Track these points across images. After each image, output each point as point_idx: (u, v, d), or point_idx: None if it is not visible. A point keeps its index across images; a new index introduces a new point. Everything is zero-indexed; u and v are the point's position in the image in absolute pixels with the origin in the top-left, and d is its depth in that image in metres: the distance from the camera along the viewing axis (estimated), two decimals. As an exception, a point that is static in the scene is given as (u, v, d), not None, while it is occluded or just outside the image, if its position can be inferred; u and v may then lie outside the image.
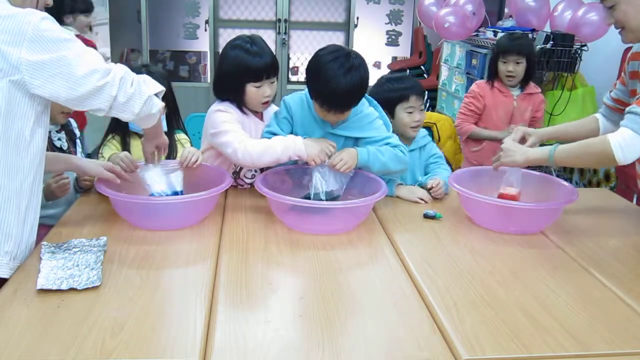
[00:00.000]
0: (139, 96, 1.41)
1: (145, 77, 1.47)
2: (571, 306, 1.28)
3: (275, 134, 1.85)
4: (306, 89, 1.89)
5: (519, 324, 1.20)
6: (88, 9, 3.45)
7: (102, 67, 1.35)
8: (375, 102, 1.98)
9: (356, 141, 1.89)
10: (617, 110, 1.84)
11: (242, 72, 1.83)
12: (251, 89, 1.85)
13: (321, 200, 1.73)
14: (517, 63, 2.79)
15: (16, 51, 1.26)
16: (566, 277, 1.44)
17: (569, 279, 1.43)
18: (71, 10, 3.38)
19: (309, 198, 1.73)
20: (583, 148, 1.62)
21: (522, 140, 1.85)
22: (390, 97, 2.08)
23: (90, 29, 3.64)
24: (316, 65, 1.74)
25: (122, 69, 1.40)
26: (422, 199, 1.93)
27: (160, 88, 1.49)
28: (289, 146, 1.73)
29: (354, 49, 6.93)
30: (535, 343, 1.13)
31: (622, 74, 1.84)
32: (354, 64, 1.71)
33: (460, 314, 1.23)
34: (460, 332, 1.16)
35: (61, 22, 3.32)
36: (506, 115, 2.90)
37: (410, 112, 2.06)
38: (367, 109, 1.91)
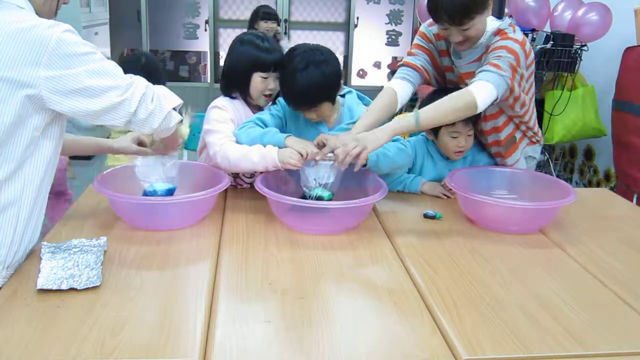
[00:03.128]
0: (160, 112, 1.41)
1: (164, 91, 1.47)
2: (571, 306, 1.28)
3: (262, 120, 1.85)
4: None
5: (519, 324, 1.20)
6: (265, 17, 4.31)
7: (122, 82, 1.34)
8: (369, 100, 1.97)
9: None
10: (423, 75, 1.96)
11: (251, 61, 1.85)
12: (257, 79, 1.86)
13: (318, 198, 1.72)
14: None
15: (35, 66, 1.24)
16: (566, 277, 1.44)
17: (569, 279, 1.43)
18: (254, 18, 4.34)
19: (305, 197, 1.73)
20: (450, 104, 1.68)
21: (320, 146, 1.73)
22: None
23: (275, 35, 4.36)
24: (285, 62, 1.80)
25: (143, 84, 1.39)
26: (444, 194, 1.95)
27: (179, 101, 1.50)
28: (265, 156, 1.72)
29: (353, 48, 6.91)
30: (535, 343, 1.13)
31: (421, 44, 1.97)
32: (312, 59, 1.72)
33: (460, 314, 1.23)
34: (460, 332, 1.16)
35: (254, 29, 4.28)
36: None
37: (454, 137, 1.93)
38: (362, 110, 1.89)
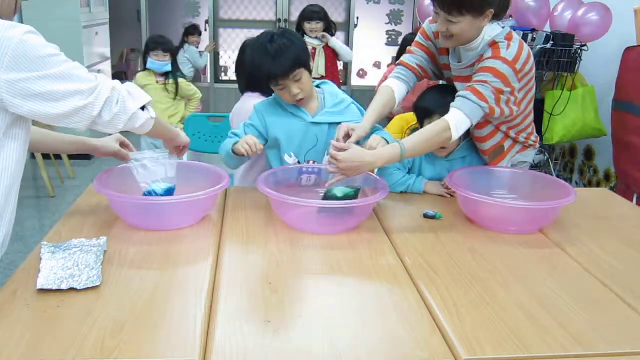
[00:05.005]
0: (124, 114, 1.39)
1: (131, 89, 1.45)
2: (571, 306, 1.28)
3: (236, 134, 1.92)
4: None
5: (519, 324, 1.20)
6: (307, 18, 4.08)
7: (86, 86, 1.31)
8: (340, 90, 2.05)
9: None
10: (418, 74, 2.02)
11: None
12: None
13: (346, 196, 1.73)
14: None
15: None
16: (566, 277, 1.44)
17: (569, 279, 1.43)
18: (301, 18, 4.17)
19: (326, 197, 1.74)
20: (428, 136, 1.75)
21: (347, 137, 1.81)
22: (422, 106, 1.99)
23: (324, 36, 4.15)
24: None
25: (108, 88, 1.35)
26: (448, 194, 1.96)
27: (147, 99, 1.47)
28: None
29: (353, 48, 6.89)
30: (535, 343, 1.13)
31: (421, 42, 2.01)
32: (274, 34, 1.82)
33: (460, 314, 1.23)
34: (460, 332, 1.16)
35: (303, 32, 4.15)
36: None
37: None
38: (342, 95, 1.99)
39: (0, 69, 1.21)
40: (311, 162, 1.95)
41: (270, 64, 1.80)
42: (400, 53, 3.53)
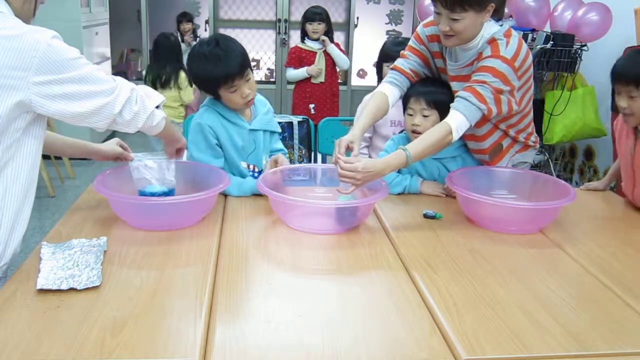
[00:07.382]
0: (143, 112, 1.46)
1: (146, 90, 1.52)
2: (571, 306, 1.28)
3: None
4: (206, 101, 1.97)
5: (519, 324, 1.20)
6: (310, 19, 3.99)
7: (107, 86, 1.38)
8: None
9: (272, 134, 2.05)
10: (411, 79, 2.00)
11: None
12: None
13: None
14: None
15: (24, 71, 1.26)
16: (566, 277, 1.44)
17: (569, 279, 1.43)
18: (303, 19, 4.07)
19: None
20: (432, 140, 1.74)
21: (347, 149, 1.79)
22: (405, 94, 2.04)
23: (324, 40, 4.03)
24: (194, 66, 1.88)
25: (127, 88, 1.42)
26: (444, 194, 1.97)
27: (161, 99, 1.54)
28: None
29: (353, 48, 6.85)
30: (535, 343, 1.13)
31: (414, 46, 2.00)
32: (214, 39, 1.84)
33: (460, 314, 1.23)
34: (460, 332, 1.16)
35: (305, 33, 4.05)
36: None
37: (410, 115, 1.97)
38: (267, 102, 2.08)
39: (30, 72, 1.27)
40: (251, 166, 1.99)
41: (225, 65, 1.81)
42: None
